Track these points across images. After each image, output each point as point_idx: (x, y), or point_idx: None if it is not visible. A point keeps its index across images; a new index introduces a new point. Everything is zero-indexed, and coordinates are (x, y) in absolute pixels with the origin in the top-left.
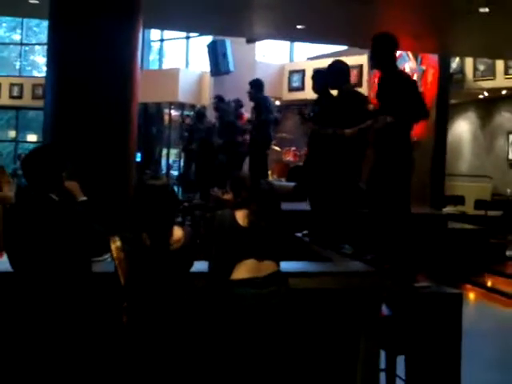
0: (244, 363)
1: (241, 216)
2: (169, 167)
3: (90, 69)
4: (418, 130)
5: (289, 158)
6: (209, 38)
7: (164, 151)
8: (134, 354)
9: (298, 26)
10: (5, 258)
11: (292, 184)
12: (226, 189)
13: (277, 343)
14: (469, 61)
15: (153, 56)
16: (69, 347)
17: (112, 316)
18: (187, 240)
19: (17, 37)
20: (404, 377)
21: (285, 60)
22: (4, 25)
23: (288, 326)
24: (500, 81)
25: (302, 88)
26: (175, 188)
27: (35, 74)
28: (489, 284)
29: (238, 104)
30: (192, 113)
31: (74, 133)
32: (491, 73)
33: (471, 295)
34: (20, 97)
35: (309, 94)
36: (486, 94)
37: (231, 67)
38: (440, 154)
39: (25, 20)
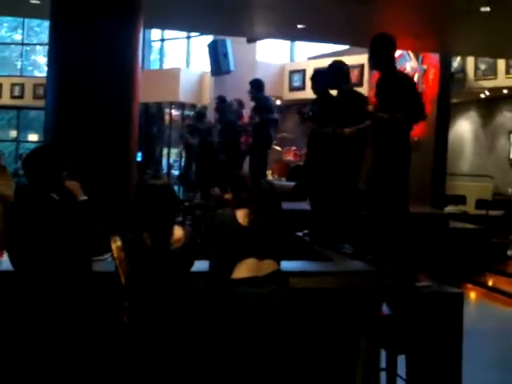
0: (245, 362)
1: (241, 215)
2: (169, 167)
3: (91, 69)
4: (419, 130)
5: (289, 157)
6: (209, 38)
7: (165, 151)
8: (134, 354)
9: (299, 26)
10: (5, 257)
11: (292, 183)
12: (226, 189)
13: (277, 342)
14: (470, 60)
15: (153, 56)
16: (70, 347)
17: (113, 316)
18: (188, 239)
19: (18, 37)
20: (405, 376)
21: (285, 60)
22: (5, 25)
23: (288, 325)
24: (501, 80)
25: (302, 88)
26: (176, 187)
27: (36, 73)
28: (490, 283)
29: (240, 104)
30: (192, 113)
31: (75, 132)
32: (492, 72)
33: (472, 295)
34: (21, 97)
35: (309, 93)
36: (487, 93)
37: (232, 67)
38: (441, 154)
39: (26, 20)
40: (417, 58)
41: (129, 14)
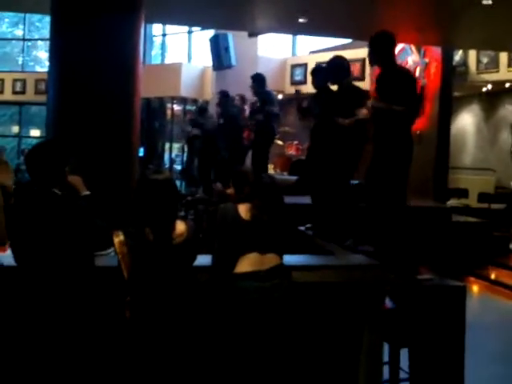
0: (247, 356)
1: (243, 210)
2: (172, 162)
3: (92, 64)
4: (422, 123)
5: (291, 151)
6: (211, 32)
7: (167, 146)
8: (137, 349)
9: (300, 20)
10: (9, 252)
11: (294, 178)
12: (228, 184)
13: (280, 336)
14: (472, 53)
15: (155, 51)
16: (72, 341)
17: (115, 310)
18: (190, 234)
19: (19, 32)
20: (407, 369)
21: (287, 54)
22: (6, 20)
23: (291, 319)
24: (504, 73)
25: (304, 82)
26: (178, 182)
27: (38, 69)
28: (492, 277)
29: (242, 99)
30: (194, 107)
31: (77, 128)
32: (495, 65)
33: (475, 288)
34: (23, 92)
35: (311, 87)
36: (489, 86)
37: (233, 61)
38: (443, 147)
39: (27, 15)
40: (419, 51)
41: (130, 9)
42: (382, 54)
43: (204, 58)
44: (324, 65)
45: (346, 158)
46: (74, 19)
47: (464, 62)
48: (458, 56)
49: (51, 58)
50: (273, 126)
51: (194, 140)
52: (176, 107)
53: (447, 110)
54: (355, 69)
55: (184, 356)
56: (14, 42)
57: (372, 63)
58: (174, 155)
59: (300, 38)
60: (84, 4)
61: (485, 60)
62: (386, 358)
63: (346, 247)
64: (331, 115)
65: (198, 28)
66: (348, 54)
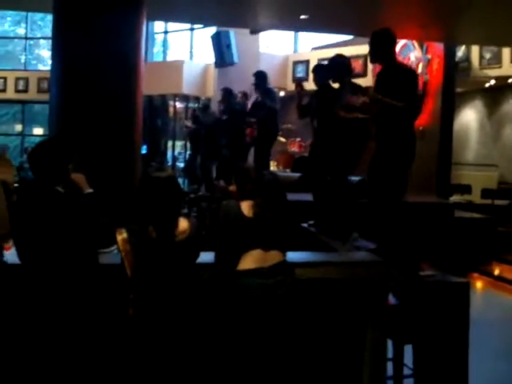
0: (251, 353)
1: (246, 207)
2: (174, 159)
3: (95, 62)
4: (424, 119)
5: (294, 148)
6: (213, 30)
7: (169, 143)
8: (140, 346)
9: (302, 16)
10: (13, 250)
11: (297, 175)
12: (231, 181)
13: (283, 333)
14: (475, 49)
15: (157, 48)
16: (76, 339)
17: (118, 308)
18: (193, 231)
19: (21, 31)
20: (411, 366)
21: (289, 50)
22: (8, 19)
23: (294, 315)
24: (506, 69)
25: (306, 78)
26: (181, 180)
27: (40, 67)
28: (496, 273)
29: (244, 96)
30: (197, 105)
31: (80, 126)
32: (498, 61)
33: (479, 284)
34: (26, 91)
35: (313, 84)
36: (492, 82)
37: (235, 59)
38: (446, 143)
39: (29, 14)
40: (421, 47)
41: (132, 7)
42: (382, 51)
43: (206, 55)
44: (325, 62)
45: (348, 155)
46: (76, 17)
47: (467, 58)
48: (460, 52)
49: (53, 57)
50: (276, 123)
51: (192, 135)
52: (178, 105)
53: (450, 106)
54: (357, 65)
55: (187, 353)
56: (16, 40)
57: (373, 61)
58: (176, 153)
59: (302, 34)
60: (86, 2)
61: (488, 55)
62: (389, 355)
63: (351, 240)
64: (332, 109)
65: (200, 25)
66: (350, 51)
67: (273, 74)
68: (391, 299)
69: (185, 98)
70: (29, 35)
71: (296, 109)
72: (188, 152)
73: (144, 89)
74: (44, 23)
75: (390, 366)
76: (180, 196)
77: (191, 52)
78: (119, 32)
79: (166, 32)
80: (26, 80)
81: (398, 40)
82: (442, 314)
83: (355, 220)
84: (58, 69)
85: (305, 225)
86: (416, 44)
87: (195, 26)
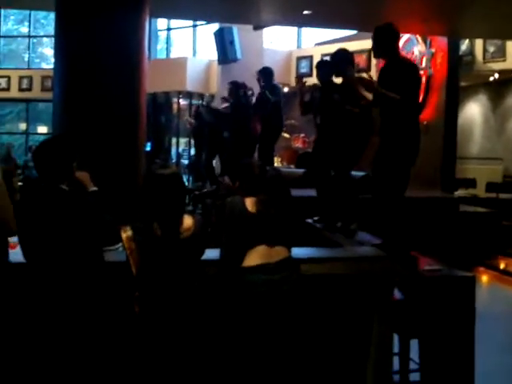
0: (257, 350)
1: (250, 203)
2: (179, 156)
3: (98, 59)
4: (429, 114)
5: (298, 144)
6: (215, 26)
7: (173, 140)
8: (146, 343)
9: (305, 12)
10: (18, 249)
11: (301, 170)
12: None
13: (289, 329)
14: (478, 42)
15: (160, 45)
16: (82, 337)
17: (124, 306)
18: (197, 228)
19: (25, 29)
20: (417, 360)
21: (292, 46)
22: (12, 18)
23: (300, 311)
24: (510, 62)
25: (310, 74)
26: (185, 177)
27: (44, 66)
28: (502, 266)
29: (251, 92)
30: (200, 101)
31: (84, 124)
32: (501, 54)
33: (484, 278)
34: (29, 89)
35: (317, 80)
36: (496, 75)
37: (239, 55)
38: (451, 137)
39: (32, 12)
40: (424, 41)
41: (135, 4)
42: (385, 46)
43: (209, 51)
44: (328, 58)
45: (351, 150)
46: (79, 15)
47: (470, 52)
48: (464, 45)
49: (56, 55)
50: (280, 119)
51: (196, 132)
52: (182, 102)
53: (454, 100)
54: (361, 60)
55: (194, 350)
56: (19, 39)
57: (376, 56)
58: (180, 150)
59: (305, 30)
60: (88, 0)
61: (491, 49)
62: (395, 349)
63: (351, 232)
64: (340, 105)
65: (203, 22)
66: (354, 46)
67: (276, 70)
68: (397, 294)
69: (188, 95)
70: (32, 34)
71: (299, 105)
72: (192, 149)
73: (148, 86)
74: (47, 21)
75: (396, 360)
76: (184, 193)
77: (194, 49)
78: (122, 30)
79: (169, 29)
80: (30, 78)
81: (401, 35)
82: (448, 308)
83: (359, 215)
84: (60, 67)
85: (309, 220)
86: (419, 38)
87: (198, 22)
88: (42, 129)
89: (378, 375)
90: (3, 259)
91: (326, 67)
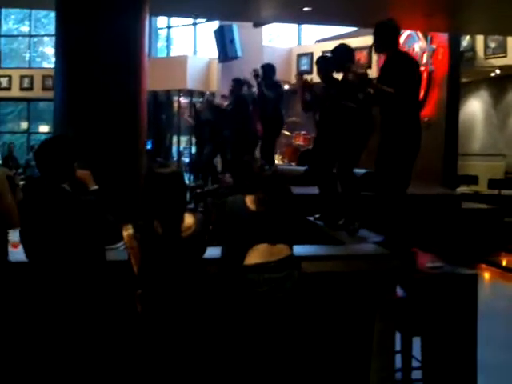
0: (259, 348)
1: (251, 201)
2: (180, 154)
3: (98, 58)
4: (430, 110)
5: (299, 142)
6: (215, 24)
7: (174, 138)
8: (148, 342)
9: (305, 9)
10: (20, 248)
11: (303, 168)
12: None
13: (291, 327)
14: (479, 38)
15: (160, 43)
16: (84, 336)
17: (126, 304)
18: (198, 226)
19: (25, 28)
20: (420, 358)
21: (293, 43)
22: (12, 17)
23: (301, 310)
24: None
25: (310, 71)
26: (187, 175)
27: (45, 65)
28: (504, 263)
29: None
30: (201, 99)
31: (85, 122)
32: (503, 50)
33: (486, 275)
34: (31, 88)
35: (318, 77)
36: (497, 71)
37: (239, 53)
38: (452, 134)
39: (33, 12)
40: (425, 37)
41: (135, 2)
42: (386, 41)
43: (209, 49)
44: (328, 54)
45: (351, 147)
46: (79, 14)
47: (471, 48)
48: (465, 41)
49: (57, 54)
50: (281, 117)
51: (197, 130)
52: (183, 100)
53: (455, 96)
54: (362, 56)
55: (195, 349)
56: (20, 38)
57: (377, 51)
58: (181, 148)
59: (305, 26)
60: None
61: (492, 45)
62: (398, 347)
63: (352, 231)
64: (339, 100)
65: (203, 20)
66: (354, 42)
67: (277, 67)
68: (399, 291)
69: (189, 93)
70: (33, 33)
71: (300, 102)
72: (193, 147)
73: (148, 84)
74: (48, 20)
75: (398, 358)
76: (185, 191)
77: (195, 47)
78: (122, 28)
79: (169, 27)
80: (31, 78)
81: (402, 31)
82: (450, 305)
83: (361, 212)
84: (61, 66)
85: (311, 218)
86: (420, 34)
87: (198, 20)
88: (44, 128)
89: (380, 373)
90: (3, 258)
91: (327, 63)
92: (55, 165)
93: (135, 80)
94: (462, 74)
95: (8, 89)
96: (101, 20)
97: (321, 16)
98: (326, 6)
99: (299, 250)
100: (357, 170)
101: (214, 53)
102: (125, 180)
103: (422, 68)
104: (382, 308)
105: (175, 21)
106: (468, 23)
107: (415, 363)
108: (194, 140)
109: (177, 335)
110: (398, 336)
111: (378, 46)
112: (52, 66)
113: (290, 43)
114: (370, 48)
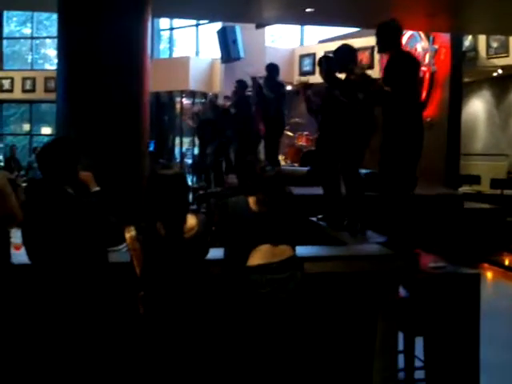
0: (262, 349)
1: (254, 202)
2: (182, 155)
3: (101, 60)
4: (432, 110)
5: (302, 142)
6: (218, 25)
7: (177, 140)
8: (151, 344)
9: (307, 10)
10: (23, 250)
11: (306, 169)
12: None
13: (294, 328)
14: (482, 38)
15: (163, 45)
16: (86, 338)
17: (129, 306)
18: (201, 228)
19: (27, 31)
20: (422, 358)
21: (295, 44)
22: (14, 19)
23: (304, 310)
24: None
25: (313, 72)
26: (189, 176)
27: (47, 67)
28: (506, 263)
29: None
30: (203, 100)
31: (87, 124)
32: (505, 50)
33: (489, 275)
34: (33, 90)
35: (320, 77)
36: (499, 71)
37: (241, 53)
38: (454, 134)
39: (35, 14)
40: (428, 38)
41: (137, 4)
42: (389, 41)
43: (212, 50)
44: (330, 55)
45: (352, 146)
46: (81, 16)
47: (474, 48)
48: (467, 41)
49: (59, 56)
50: (283, 117)
51: (199, 131)
52: (185, 101)
53: (457, 96)
54: (364, 57)
55: (198, 350)
56: (22, 40)
57: (380, 51)
58: (184, 149)
59: (308, 27)
60: (90, 1)
61: (495, 45)
62: (400, 347)
63: (355, 231)
64: (338, 100)
65: (206, 21)
66: (357, 43)
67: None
68: (401, 291)
69: (192, 94)
70: (35, 35)
71: (305, 105)
72: (196, 148)
73: (151, 86)
74: (50, 22)
75: (401, 358)
76: (187, 193)
77: (197, 48)
78: (125, 30)
79: (171, 29)
80: (33, 80)
81: (404, 31)
82: (453, 305)
83: (364, 213)
84: (63, 68)
85: (314, 219)
86: (422, 35)
87: (200, 21)
88: (46, 130)
89: (383, 373)
90: (6, 260)
91: (329, 63)
92: (57, 167)
93: (137, 81)
94: (464, 74)
95: (10, 91)
96: (103, 22)
97: (323, 17)
98: (328, 6)
99: (302, 250)
100: (360, 170)
101: (217, 54)
102: (127, 181)
103: (425, 68)
104: (385, 308)
105: (178, 22)
106: (470, 23)
107: (418, 363)
108: (196, 141)
109: (180, 337)
110: (400, 336)
111: (380, 46)
112: (54, 67)
113: (292, 44)
114: (372, 48)
